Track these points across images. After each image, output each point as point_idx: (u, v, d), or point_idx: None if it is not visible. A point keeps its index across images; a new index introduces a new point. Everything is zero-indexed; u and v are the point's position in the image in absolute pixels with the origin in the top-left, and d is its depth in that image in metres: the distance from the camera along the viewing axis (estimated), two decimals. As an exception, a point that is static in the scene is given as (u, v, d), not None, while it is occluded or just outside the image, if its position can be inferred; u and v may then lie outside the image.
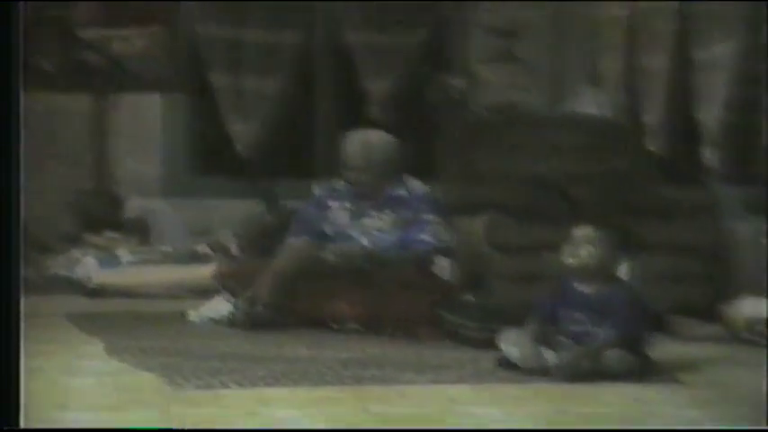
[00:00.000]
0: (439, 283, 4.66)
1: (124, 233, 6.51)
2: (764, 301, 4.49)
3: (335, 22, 7.06)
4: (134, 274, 5.91)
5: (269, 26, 7.01)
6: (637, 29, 5.92)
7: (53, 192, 6.31)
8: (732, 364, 3.93)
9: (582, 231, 3.63)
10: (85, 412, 2.82)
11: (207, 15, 6.99)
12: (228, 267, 5.29)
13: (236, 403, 3.00)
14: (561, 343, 3.52)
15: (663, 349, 3.77)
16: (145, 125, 7.07)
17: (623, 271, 3.76)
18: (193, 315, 4.76)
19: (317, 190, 4.96)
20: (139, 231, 6.56)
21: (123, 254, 6.17)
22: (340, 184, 4.84)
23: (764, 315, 4.39)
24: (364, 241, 4.72)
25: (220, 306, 4.74)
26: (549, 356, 3.47)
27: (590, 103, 6.27)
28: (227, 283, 4.90)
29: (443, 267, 4.73)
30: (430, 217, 4.68)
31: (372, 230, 4.74)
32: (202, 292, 5.17)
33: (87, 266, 5.95)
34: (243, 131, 6.99)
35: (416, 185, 4.78)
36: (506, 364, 3.55)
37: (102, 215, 6.56)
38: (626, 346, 3.48)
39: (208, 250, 6.28)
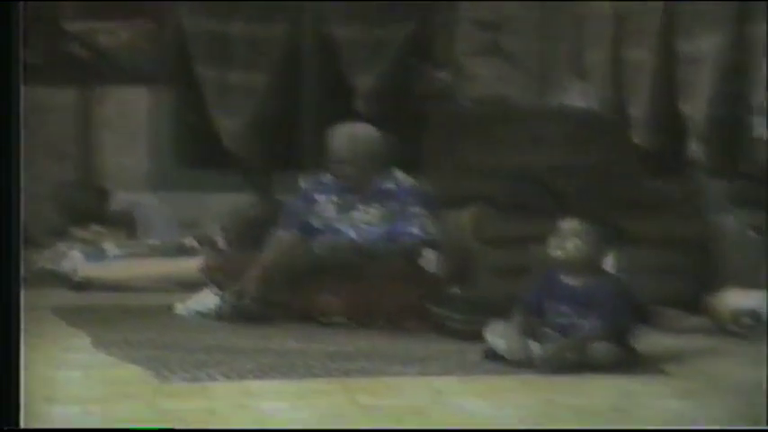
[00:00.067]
0: (426, 275, 4.67)
1: (111, 226, 6.48)
2: (750, 293, 4.52)
3: (322, 15, 7.06)
4: (121, 267, 5.90)
5: (256, 20, 7.00)
6: (623, 22, 5.93)
7: (39, 185, 6.27)
8: (718, 355, 3.95)
9: (568, 224, 3.65)
10: (72, 405, 2.82)
11: (194, 9, 6.98)
12: (216, 260, 5.28)
13: (224, 396, 3.01)
14: (547, 335, 3.54)
15: (649, 341, 3.79)
16: (131, 118, 7.04)
17: (609, 263, 3.78)
18: (180, 308, 4.76)
19: (304, 183, 4.96)
20: (126, 225, 6.53)
21: (110, 247, 6.16)
22: (327, 178, 4.84)
23: (749, 307, 4.41)
24: (352, 234, 4.72)
25: (208, 299, 4.73)
26: (536, 348, 3.49)
27: (576, 97, 6.28)
28: (214, 277, 4.90)
29: (430, 260, 4.74)
30: (417, 210, 4.69)
31: (360, 223, 4.74)
32: (190, 286, 5.15)
33: (74, 260, 5.94)
34: (229, 125, 6.98)
35: (404, 178, 4.78)
36: (493, 356, 3.57)
37: (89, 208, 6.53)
38: (612, 337, 3.50)
39: (195, 243, 6.27)
